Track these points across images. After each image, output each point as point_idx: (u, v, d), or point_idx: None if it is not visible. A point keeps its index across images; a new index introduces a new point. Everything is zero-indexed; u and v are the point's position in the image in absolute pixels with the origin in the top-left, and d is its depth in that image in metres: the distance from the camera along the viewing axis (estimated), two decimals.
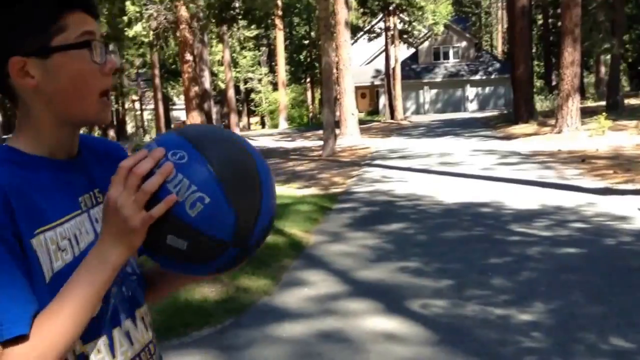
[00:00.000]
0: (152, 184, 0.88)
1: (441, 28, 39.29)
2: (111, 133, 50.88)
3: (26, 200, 0.94)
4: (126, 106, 54.30)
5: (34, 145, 1.01)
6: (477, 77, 46.79)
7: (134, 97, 54.06)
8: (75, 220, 1.01)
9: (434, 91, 47.60)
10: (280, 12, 38.14)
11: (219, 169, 0.89)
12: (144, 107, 55.12)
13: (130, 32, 25.53)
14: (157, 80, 40.89)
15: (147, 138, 38.84)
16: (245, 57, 47.94)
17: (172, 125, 50.72)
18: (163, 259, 0.95)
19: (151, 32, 24.11)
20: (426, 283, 5.23)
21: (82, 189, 1.05)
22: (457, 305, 4.65)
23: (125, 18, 25.37)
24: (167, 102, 50.81)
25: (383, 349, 3.96)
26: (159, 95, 41.50)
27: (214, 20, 24.63)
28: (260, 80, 48.34)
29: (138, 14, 24.27)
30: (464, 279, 5.28)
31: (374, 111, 46.13)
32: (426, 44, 46.45)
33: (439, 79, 47.02)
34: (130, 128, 56.45)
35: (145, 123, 56.44)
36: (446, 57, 47.63)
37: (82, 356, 0.99)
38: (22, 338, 0.87)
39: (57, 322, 0.89)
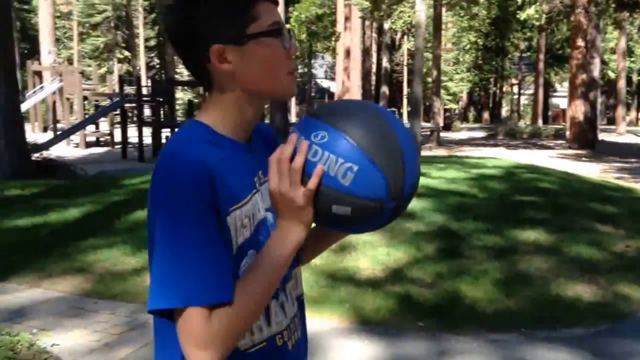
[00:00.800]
0: (298, 162, 1.00)
1: None
2: (485, 115, 51.54)
3: (224, 180, 1.05)
4: (504, 89, 54.28)
5: (222, 126, 1.13)
6: None
7: (513, 81, 53.66)
8: (253, 199, 1.12)
9: None
10: None
11: (358, 139, 0.99)
12: (522, 91, 54.31)
13: (522, 15, 25.20)
14: (541, 65, 39.72)
15: (521, 123, 38.24)
16: None
17: (550, 113, 48.98)
18: (331, 225, 1.08)
19: (543, 16, 23.36)
20: None
21: (253, 169, 1.15)
22: None
23: (518, 0, 25.10)
24: (548, 88, 49.19)
25: None
26: (540, 81, 40.34)
27: (614, 5, 22.68)
28: None
29: None
30: None
31: None
32: None
33: None
34: (504, 112, 56.37)
35: (521, 108, 55.64)
36: None
37: None
38: (226, 303, 0.98)
39: (252, 293, 1.01)
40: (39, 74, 30.06)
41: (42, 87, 28.86)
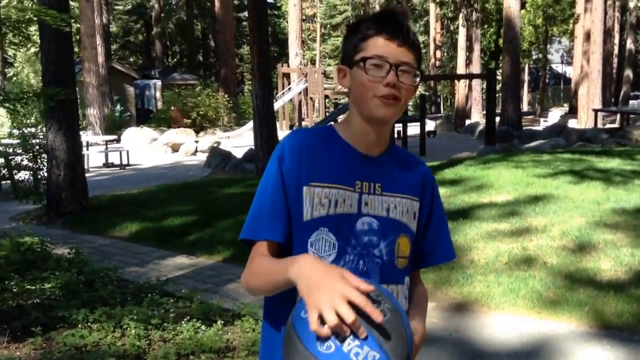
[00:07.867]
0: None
1: None
2: None
3: (316, 159, 1.34)
4: None
5: (344, 132, 1.41)
6: None
7: None
8: (344, 191, 1.34)
9: None
10: None
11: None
12: None
13: None
14: None
15: None
16: None
17: None
18: None
19: None
20: None
21: (364, 176, 1.37)
22: None
23: None
24: None
25: None
26: None
27: None
28: None
29: None
30: None
31: None
32: None
33: None
34: None
35: None
36: None
37: None
38: (274, 243, 1.31)
39: (261, 268, 1.30)
40: (287, 75, 32.44)
41: (289, 89, 31.20)
